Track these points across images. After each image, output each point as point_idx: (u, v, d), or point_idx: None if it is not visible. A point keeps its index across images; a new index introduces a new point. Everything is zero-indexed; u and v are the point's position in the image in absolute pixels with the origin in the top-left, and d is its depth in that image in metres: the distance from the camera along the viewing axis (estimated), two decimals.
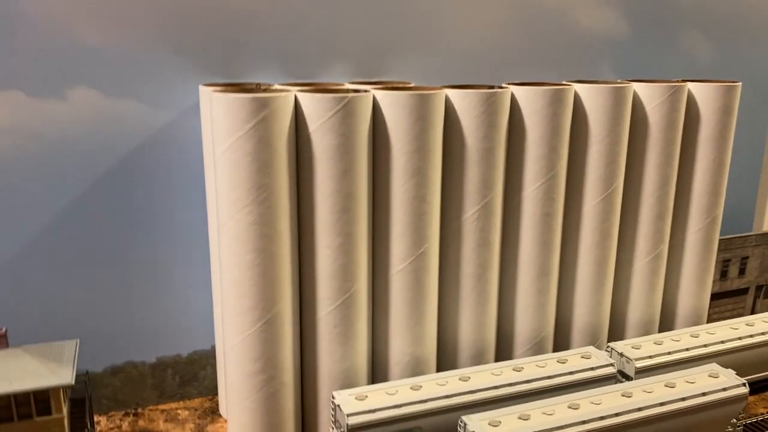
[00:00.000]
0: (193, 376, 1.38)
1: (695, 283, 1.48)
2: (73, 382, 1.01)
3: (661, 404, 1.14)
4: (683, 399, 1.15)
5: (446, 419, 1.13)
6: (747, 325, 1.43)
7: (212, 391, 1.39)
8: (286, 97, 1.05)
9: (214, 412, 1.34)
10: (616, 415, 1.10)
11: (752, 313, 1.80)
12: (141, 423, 1.30)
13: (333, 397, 1.13)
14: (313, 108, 1.07)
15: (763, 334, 1.41)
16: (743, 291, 1.79)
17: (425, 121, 1.12)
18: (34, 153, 1.15)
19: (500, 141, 1.21)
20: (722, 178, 1.43)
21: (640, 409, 1.12)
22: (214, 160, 1.08)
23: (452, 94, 1.18)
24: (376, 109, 1.13)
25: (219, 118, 1.04)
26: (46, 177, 1.17)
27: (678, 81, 1.37)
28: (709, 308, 1.73)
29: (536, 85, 1.24)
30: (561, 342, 1.41)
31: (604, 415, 1.10)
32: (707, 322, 1.53)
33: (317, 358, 1.18)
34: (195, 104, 1.23)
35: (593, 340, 1.40)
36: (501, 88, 1.21)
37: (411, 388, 1.15)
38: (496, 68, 1.45)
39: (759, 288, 1.79)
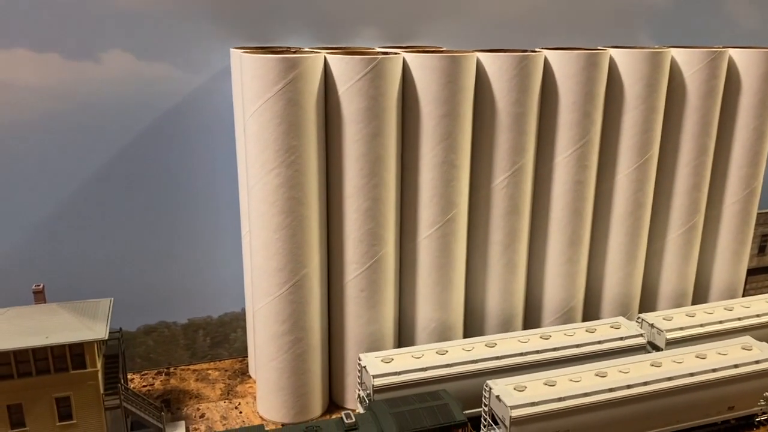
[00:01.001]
0: (223, 338, 1.41)
1: (731, 256, 1.45)
2: (106, 337, 1.03)
3: (691, 374, 1.12)
4: (714, 370, 1.14)
5: (471, 384, 1.13)
6: None
7: (243, 353, 1.42)
8: (315, 58, 1.05)
9: (243, 373, 1.36)
10: (645, 384, 1.09)
11: None
12: (173, 382, 1.33)
13: (359, 359, 1.14)
14: (342, 70, 1.07)
15: None
16: None
17: (455, 85, 1.11)
18: (69, 114, 1.17)
19: (532, 106, 1.19)
20: (763, 148, 1.39)
21: (669, 379, 1.11)
22: (244, 122, 1.09)
23: (483, 57, 1.16)
24: (405, 72, 1.12)
25: (249, 80, 1.04)
26: (81, 138, 1.19)
27: (718, 47, 1.32)
28: (746, 284, 1.69)
29: (570, 50, 1.22)
30: (591, 312, 1.39)
31: (631, 383, 1.09)
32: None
33: (344, 320, 1.19)
34: (226, 68, 1.23)
35: (624, 312, 1.38)
36: (534, 52, 1.19)
37: (437, 353, 1.16)
38: (530, 34, 1.42)
39: None
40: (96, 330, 1.04)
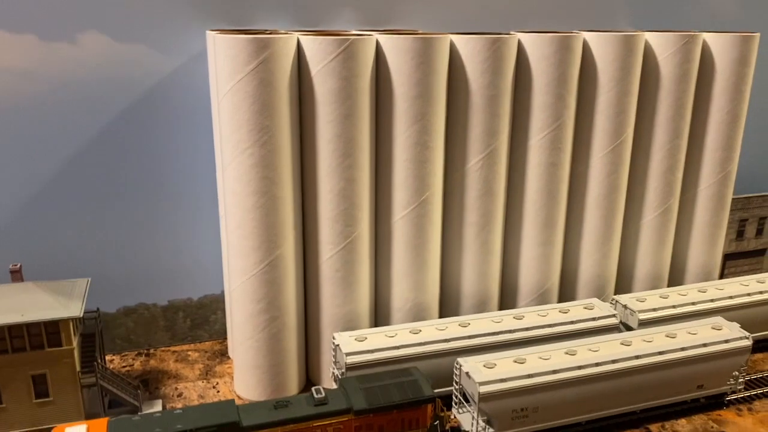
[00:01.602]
0: (204, 320, 1.42)
1: (706, 239, 1.46)
2: (81, 315, 1.05)
3: (660, 353, 1.14)
4: (683, 349, 1.15)
5: (444, 362, 1.15)
6: (758, 282, 1.41)
7: (222, 335, 1.43)
8: (287, 39, 1.06)
9: (223, 354, 1.38)
10: (613, 362, 1.11)
11: None
12: (152, 362, 1.34)
13: (333, 338, 1.16)
14: (315, 51, 1.08)
15: None
16: (760, 252, 1.76)
17: (428, 66, 1.12)
18: (45, 96, 1.18)
19: (505, 88, 1.20)
20: (736, 132, 1.40)
21: (638, 357, 1.12)
22: (218, 102, 1.10)
23: (457, 39, 1.17)
24: (378, 53, 1.13)
25: (221, 60, 1.05)
26: (57, 119, 1.20)
27: (692, 31, 1.33)
28: (725, 269, 1.71)
29: (543, 33, 1.23)
30: (566, 294, 1.41)
31: (600, 361, 1.10)
32: None
33: (320, 301, 1.21)
34: (203, 50, 1.24)
35: (599, 294, 1.40)
36: (507, 35, 1.20)
37: (410, 332, 1.17)
38: (507, 19, 1.43)
39: None
40: (71, 308, 1.06)
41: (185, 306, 1.40)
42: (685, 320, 1.28)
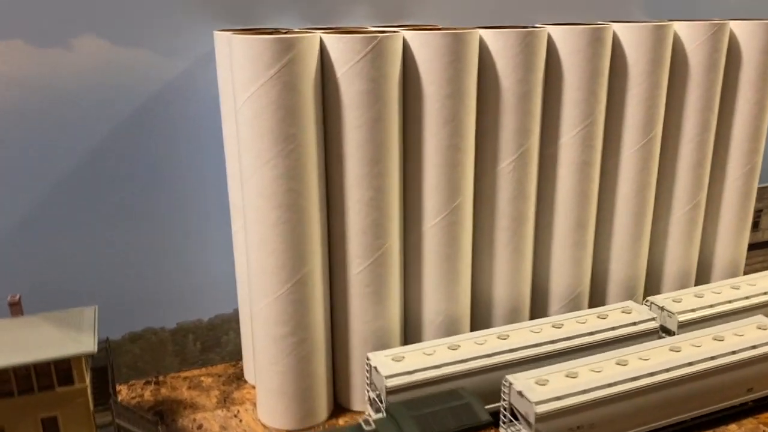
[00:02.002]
0: (215, 342, 1.32)
1: (733, 233, 1.42)
2: (95, 350, 0.95)
3: (712, 358, 1.09)
4: (733, 352, 1.10)
5: (486, 379, 1.08)
6: None
7: (235, 357, 1.34)
8: (311, 38, 0.97)
9: (239, 378, 1.29)
10: (666, 370, 1.05)
11: None
12: (164, 391, 1.24)
13: (368, 359, 1.08)
14: (341, 51, 0.99)
15: None
16: None
17: (459, 63, 1.05)
18: (38, 106, 1.07)
19: (537, 84, 1.13)
20: (763, 122, 1.36)
21: (690, 364, 1.07)
22: (236, 110, 1.00)
23: (486, 34, 1.10)
24: (406, 51, 1.05)
25: (240, 64, 0.96)
26: (52, 132, 1.09)
27: (719, 20, 1.29)
28: None
29: (573, 25, 1.16)
30: (597, 297, 1.35)
31: (654, 371, 1.05)
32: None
33: (348, 318, 1.13)
34: (209, 52, 1.14)
35: (630, 295, 1.35)
36: (535, 28, 1.13)
37: (449, 348, 1.10)
38: (519, 12, 1.36)
39: None
40: (83, 343, 0.95)
41: (195, 328, 1.30)
42: (722, 319, 1.24)
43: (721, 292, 1.30)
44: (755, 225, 1.69)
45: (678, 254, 1.38)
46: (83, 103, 1.10)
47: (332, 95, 1.02)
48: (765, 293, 1.31)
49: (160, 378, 1.28)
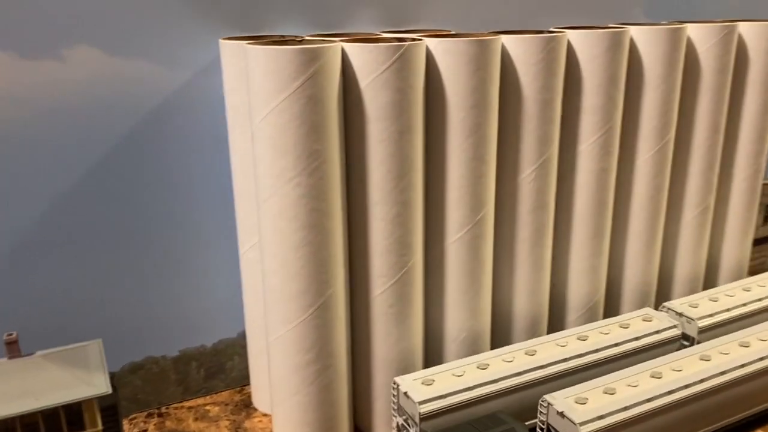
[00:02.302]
0: (219, 368, 1.25)
1: (739, 233, 1.42)
2: (110, 390, 0.87)
3: (742, 366, 1.07)
4: (761, 359, 1.09)
5: (518, 398, 1.04)
6: None
7: (240, 382, 1.26)
8: (335, 48, 0.91)
9: (247, 406, 1.21)
10: (701, 381, 1.03)
11: None
12: (168, 424, 1.16)
13: (396, 384, 1.02)
14: (365, 60, 0.93)
15: None
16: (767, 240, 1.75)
17: (484, 72, 1.00)
18: (28, 124, 0.98)
19: (559, 92, 1.10)
20: (767, 124, 1.36)
21: (723, 373, 1.05)
22: (252, 127, 0.93)
23: (507, 40, 1.05)
24: (428, 59, 1.00)
25: (260, 76, 0.89)
26: (43, 150, 1.00)
27: (729, 21, 1.28)
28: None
29: (588, 29, 1.13)
30: (612, 305, 1.33)
31: (689, 383, 1.02)
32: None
33: (371, 341, 1.07)
34: (212, 62, 1.07)
35: (644, 301, 1.33)
36: (552, 32, 1.09)
37: (478, 368, 1.06)
38: (515, 15, 1.32)
39: None
40: (96, 384, 0.88)
41: (199, 354, 1.22)
42: (740, 323, 1.24)
43: (734, 295, 1.30)
44: (767, 219, 1.69)
45: (688, 258, 1.37)
46: (77, 119, 1.01)
47: (354, 108, 0.96)
48: None
49: (163, 409, 1.20)
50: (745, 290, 1.32)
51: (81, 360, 0.93)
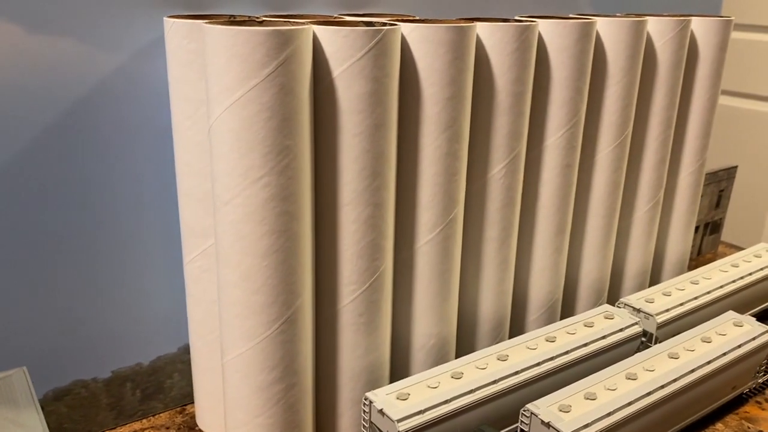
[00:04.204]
0: (157, 388, 1.11)
1: (683, 227, 1.45)
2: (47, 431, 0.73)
3: (708, 362, 1.07)
4: (724, 354, 1.10)
5: (494, 407, 0.99)
6: (732, 266, 1.42)
7: (181, 402, 1.14)
8: (308, 31, 0.81)
9: (191, 428, 1.09)
10: (674, 381, 1.02)
11: (699, 250, 1.83)
12: None
13: (368, 400, 0.94)
14: (338, 46, 0.84)
15: (751, 274, 1.40)
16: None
17: (462, 62, 0.93)
18: None
19: (530, 84, 1.05)
20: (712, 118, 1.38)
21: (692, 371, 1.05)
22: (210, 119, 0.81)
23: (482, 28, 0.99)
24: (402, 47, 0.91)
25: (222, 62, 0.77)
26: None
27: (684, 15, 1.28)
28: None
29: (555, 19, 1.08)
30: (569, 302, 1.31)
31: (664, 383, 1.01)
32: None
33: (336, 354, 0.98)
34: (152, 43, 0.93)
35: (598, 297, 1.32)
36: (520, 21, 1.04)
37: (452, 377, 0.99)
38: (463, 2, 1.26)
39: (706, 226, 1.82)
40: (29, 425, 0.73)
41: (134, 374, 1.08)
42: (694, 316, 1.25)
43: (685, 288, 1.31)
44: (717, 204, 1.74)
45: (639, 252, 1.37)
46: None
47: (326, 98, 0.86)
48: (721, 287, 1.33)
49: None
50: (693, 283, 1.34)
51: (5, 394, 0.78)
